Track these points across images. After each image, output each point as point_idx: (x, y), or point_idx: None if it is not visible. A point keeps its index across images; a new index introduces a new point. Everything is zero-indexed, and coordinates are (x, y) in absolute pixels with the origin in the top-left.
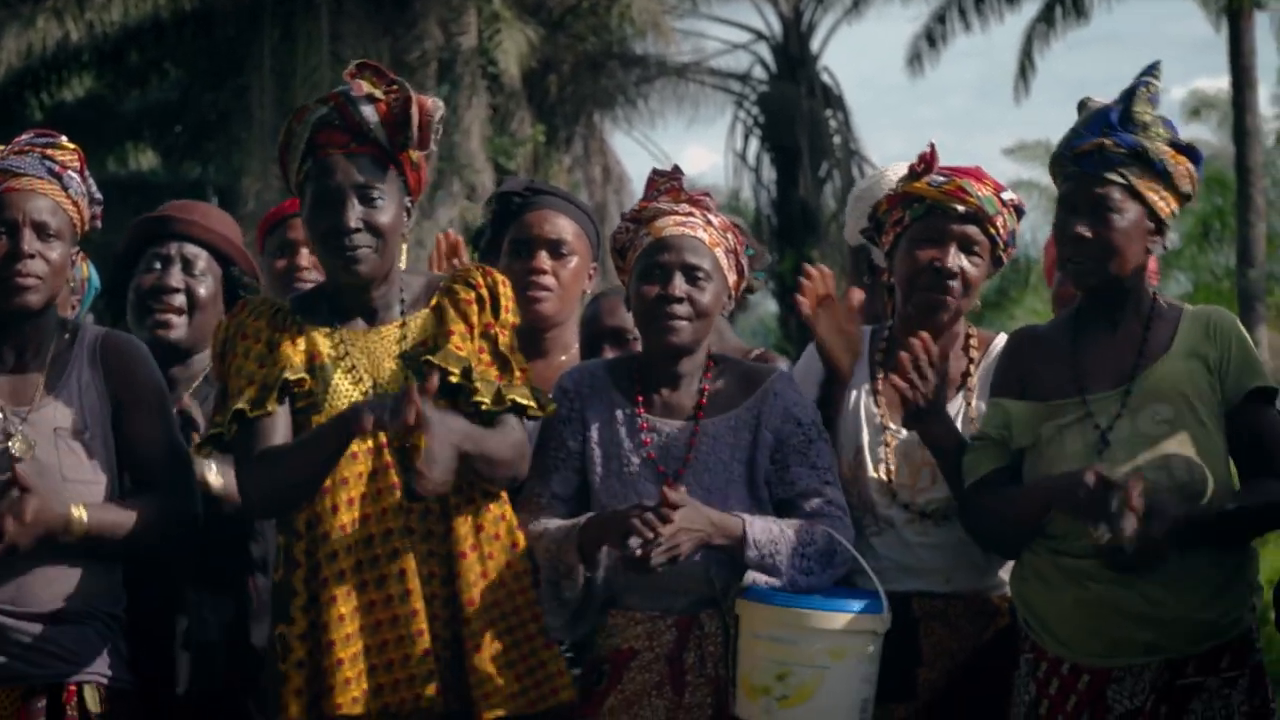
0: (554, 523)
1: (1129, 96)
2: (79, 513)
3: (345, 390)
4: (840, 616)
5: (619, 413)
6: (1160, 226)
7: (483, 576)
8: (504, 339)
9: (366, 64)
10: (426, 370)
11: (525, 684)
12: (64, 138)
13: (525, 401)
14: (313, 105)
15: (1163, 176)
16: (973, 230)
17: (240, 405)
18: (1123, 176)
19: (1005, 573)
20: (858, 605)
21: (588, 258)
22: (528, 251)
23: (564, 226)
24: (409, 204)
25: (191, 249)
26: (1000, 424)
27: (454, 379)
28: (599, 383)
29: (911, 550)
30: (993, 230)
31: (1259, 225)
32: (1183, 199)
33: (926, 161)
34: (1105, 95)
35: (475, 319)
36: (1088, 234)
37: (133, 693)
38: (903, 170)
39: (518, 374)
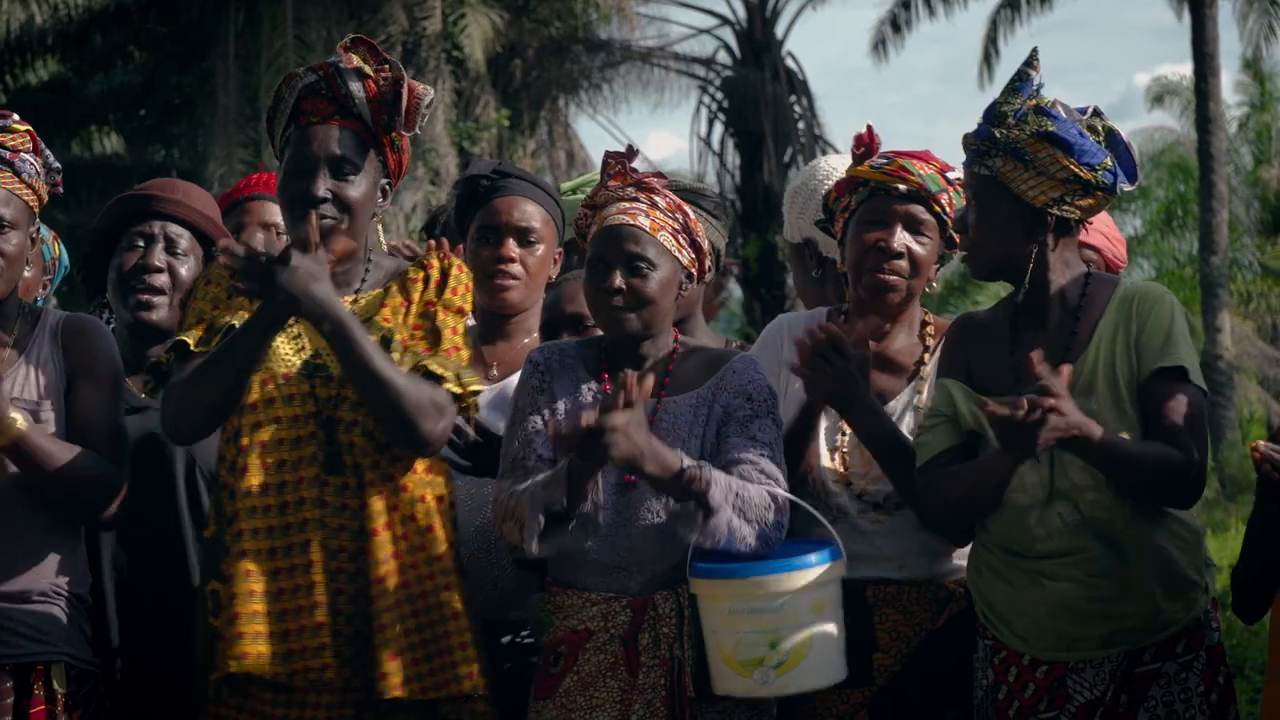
0: (539, 476)
1: (1005, 89)
2: (19, 418)
3: (285, 353)
4: (811, 570)
5: (585, 388)
6: (1039, 214)
7: (394, 557)
8: (443, 317)
9: (362, 39)
10: None
11: (425, 668)
12: (15, 117)
13: (441, 372)
14: (302, 71)
15: (1030, 165)
16: (917, 209)
17: (185, 338)
18: (987, 168)
19: (959, 558)
20: (817, 556)
21: (554, 243)
22: (496, 238)
23: (532, 213)
24: (386, 185)
25: (174, 228)
26: (948, 402)
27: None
28: (568, 360)
29: (865, 538)
30: (938, 208)
31: (1221, 212)
32: (1075, 185)
33: (865, 144)
34: (1069, 81)
35: (417, 296)
36: (971, 222)
37: (97, 673)
38: (837, 162)
39: (446, 349)
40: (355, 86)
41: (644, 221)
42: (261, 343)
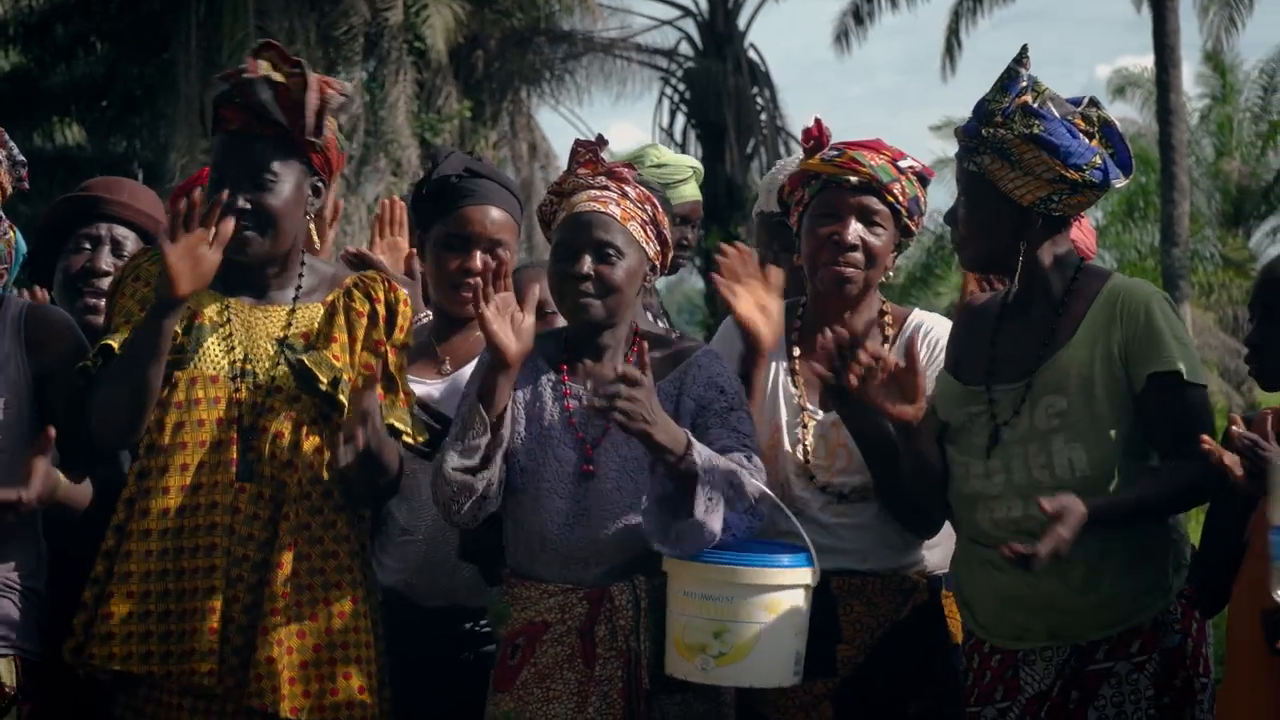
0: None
1: (994, 86)
2: (62, 481)
3: (215, 356)
4: (773, 571)
5: (543, 378)
6: (1027, 212)
7: (294, 575)
8: (393, 359)
9: (270, 44)
10: (298, 367)
11: (314, 688)
12: None
13: (401, 427)
14: (216, 80)
15: (1017, 165)
16: (869, 200)
17: (109, 341)
18: (975, 164)
19: (924, 550)
20: (789, 559)
21: (516, 246)
22: (464, 248)
23: (501, 224)
24: (318, 184)
25: (121, 230)
26: (933, 394)
27: (322, 386)
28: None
29: (829, 530)
30: (891, 198)
31: (1183, 204)
32: (1062, 185)
33: (814, 137)
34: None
35: (361, 333)
36: (960, 216)
37: (49, 667)
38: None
39: (402, 397)
40: (266, 95)
41: (615, 210)
42: (161, 334)
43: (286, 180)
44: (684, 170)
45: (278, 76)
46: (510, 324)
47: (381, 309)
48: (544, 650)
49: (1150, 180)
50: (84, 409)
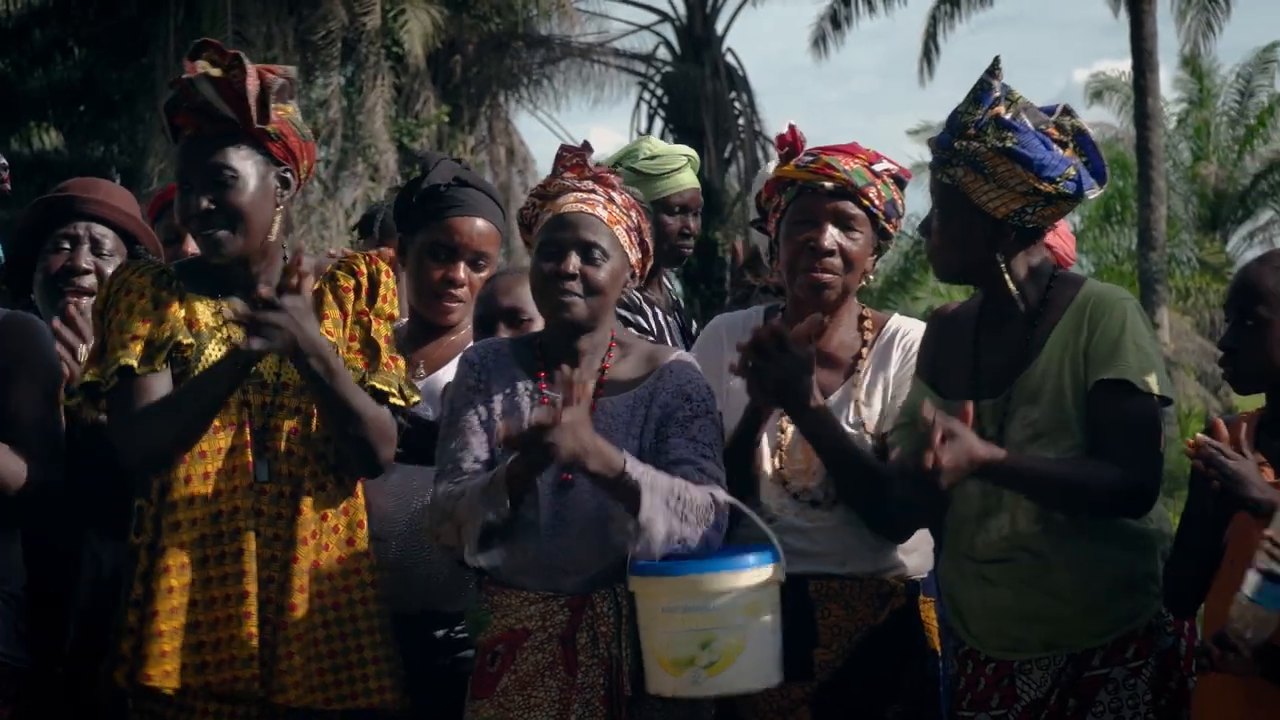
0: (476, 480)
1: (967, 97)
2: None
3: (217, 359)
4: (748, 572)
5: (520, 385)
6: (1000, 225)
7: (315, 565)
8: (376, 327)
9: (206, 42)
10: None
11: (330, 679)
12: None
13: (385, 389)
14: (165, 91)
15: (990, 178)
16: (845, 205)
17: (128, 360)
18: (949, 176)
19: (902, 555)
20: (756, 558)
21: (498, 256)
22: (449, 258)
23: (487, 236)
24: (284, 174)
25: (99, 229)
26: (914, 406)
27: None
28: (502, 358)
29: (806, 534)
30: (867, 202)
31: (1160, 208)
32: (1036, 197)
33: (788, 143)
34: (1009, 77)
35: (350, 306)
36: (934, 228)
37: (28, 671)
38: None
39: (385, 362)
40: (207, 90)
41: (602, 213)
42: (236, 383)
43: (247, 174)
44: (678, 159)
45: (215, 72)
46: (580, 431)
47: (364, 280)
48: (525, 658)
49: (1127, 185)
50: (119, 424)
